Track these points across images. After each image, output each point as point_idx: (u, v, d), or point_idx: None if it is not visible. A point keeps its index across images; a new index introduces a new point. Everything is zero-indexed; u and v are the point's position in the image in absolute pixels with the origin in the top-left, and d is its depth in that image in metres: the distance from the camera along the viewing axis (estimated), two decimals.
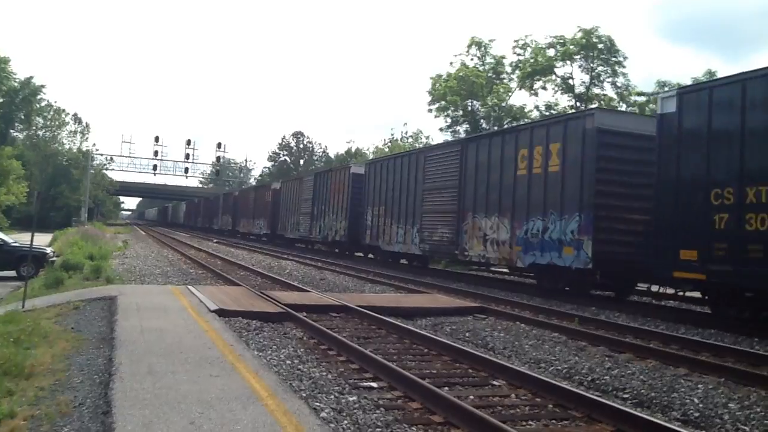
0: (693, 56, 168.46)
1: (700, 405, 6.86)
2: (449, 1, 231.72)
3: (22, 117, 69.32)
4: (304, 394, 6.35)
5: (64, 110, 72.65)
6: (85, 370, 7.15)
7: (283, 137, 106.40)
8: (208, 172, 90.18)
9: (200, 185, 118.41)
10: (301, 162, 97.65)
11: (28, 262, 14.33)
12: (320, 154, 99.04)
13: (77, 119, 75.70)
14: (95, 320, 10.34)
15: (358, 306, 12.27)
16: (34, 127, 71.25)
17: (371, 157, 56.40)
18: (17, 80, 66.10)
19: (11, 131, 69.36)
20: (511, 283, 20.13)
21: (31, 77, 68.20)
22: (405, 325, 10.73)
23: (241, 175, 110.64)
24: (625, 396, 7.35)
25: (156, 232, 67.73)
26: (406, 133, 63.40)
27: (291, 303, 12.13)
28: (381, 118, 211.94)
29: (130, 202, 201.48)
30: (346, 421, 5.63)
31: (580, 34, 38.48)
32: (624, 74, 39.20)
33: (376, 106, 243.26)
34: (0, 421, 5.44)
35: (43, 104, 70.43)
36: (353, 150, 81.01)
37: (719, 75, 30.33)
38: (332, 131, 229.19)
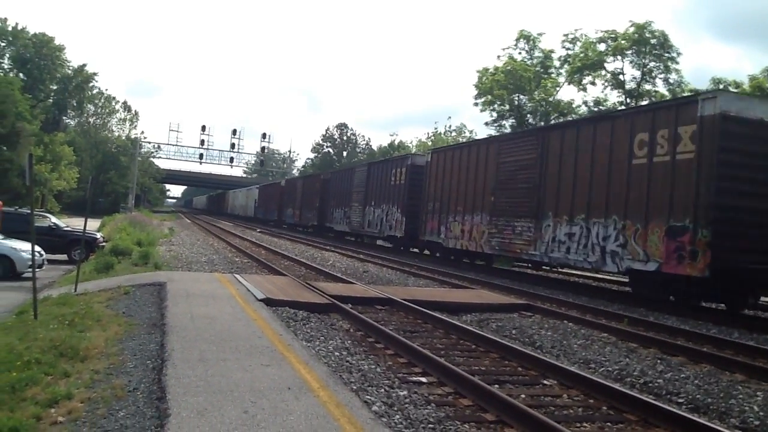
0: (743, 53, 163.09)
1: (761, 413, 6.63)
2: None
3: (75, 104, 71.06)
4: (354, 387, 6.32)
5: (114, 98, 74.27)
6: (137, 354, 7.24)
7: (327, 129, 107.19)
8: (253, 162, 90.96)
9: (245, 175, 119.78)
10: (344, 154, 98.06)
11: (81, 247, 14.59)
12: (363, 146, 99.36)
13: (126, 107, 77.31)
14: (145, 305, 10.49)
15: (403, 299, 12.21)
16: (85, 115, 72.91)
17: (413, 151, 56.56)
18: (71, 68, 67.79)
19: (64, 118, 71.16)
20: (555, 281, 19.86)
21: (84, 65, 69.99)
22: (451, 320, 10.64)
23: (285, 165, 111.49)
24: (680, 401, 7.14)
25: (204, 221, 68.33)
26: (450, 126, 63.12)
27: (336, 294, 12.14)
28: (425, 111, 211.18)
29: (175, 190, 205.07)
30: (397, 416, 5.58)
31: (632, 29, 37.56)
32: (677, 70, 38.17)
33: (421, 99, 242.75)
34: (58, 401, 5.54)
35: (94, 92, 72.14)
36: (396, 143, 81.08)
37: None
38: (376, 124, 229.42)
